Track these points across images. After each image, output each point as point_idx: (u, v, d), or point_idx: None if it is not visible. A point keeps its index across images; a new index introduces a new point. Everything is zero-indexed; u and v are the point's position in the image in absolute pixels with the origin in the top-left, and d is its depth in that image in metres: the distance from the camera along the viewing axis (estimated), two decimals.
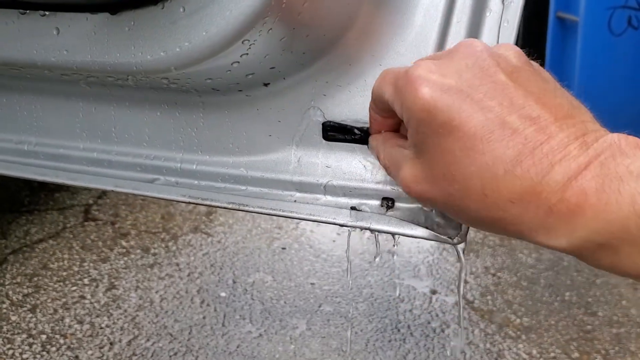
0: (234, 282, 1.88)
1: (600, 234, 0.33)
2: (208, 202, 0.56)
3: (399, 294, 1.85)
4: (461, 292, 0.61)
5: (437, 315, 1.75)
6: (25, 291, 1.81)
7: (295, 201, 0.54)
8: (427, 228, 0.52)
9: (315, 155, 0.55)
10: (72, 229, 2.21)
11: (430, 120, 0.37)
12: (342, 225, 0.53)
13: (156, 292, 1.82)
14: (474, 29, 0.51)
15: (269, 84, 0.53)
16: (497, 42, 0.50)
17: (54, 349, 1.56)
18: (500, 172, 0.34)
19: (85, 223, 2.25)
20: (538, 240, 0.36)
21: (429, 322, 1.72)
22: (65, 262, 1.99)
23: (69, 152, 0.64)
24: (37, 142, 0.67)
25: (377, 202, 0.54)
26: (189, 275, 1.91)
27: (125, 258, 2.01)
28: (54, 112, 0.64)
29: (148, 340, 1.59)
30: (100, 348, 1.56)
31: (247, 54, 0.46)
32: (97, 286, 1.85)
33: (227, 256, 2.02)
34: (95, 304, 1.75)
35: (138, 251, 2.07)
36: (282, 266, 1.98)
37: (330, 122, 0.54)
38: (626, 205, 0.31)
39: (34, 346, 1.57)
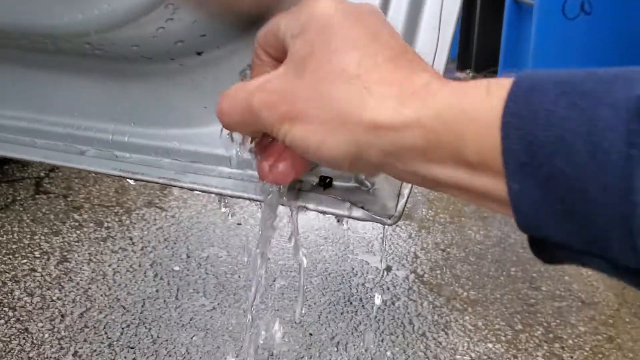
0: (188, 256, 1.89)
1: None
2: (139, 177, 0.56)
3: (353, 269, 1.89)
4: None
5: (388, 289, 1.79)
6: None
7: (229, 177, 0.55)
8: (362, 208, 0.54)
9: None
10: (22, 201, 2.17)
11: (325, 25, 0.36)
12: (272, 204, 0.55)
13: (109, 265, 1.81)
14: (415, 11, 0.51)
15: (202, 52, 0.54)
16: (440, 19, 0.51)
17: (2, 321, 1.54)
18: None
19: (37, 196, 2.22)
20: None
21: (380, 295, 1.76)
22: (15, 235, 1.96)
23: None
24: None
25: (314, 180, 0.55)
26: (142, 249, 1.91)
27: (78, 231, 1.99)
28: None
29: (100, 312, 1.59)
30: (51, 320, 1.55)
31: (172, 19, 0.46)
32: (48, 259, 1.83)
33: (181, 231, 2.03)
34: (47, 277, 1.74)
35: (91, 225, 2.05)
36: (237, 241, 1.99)
37: None
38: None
39: None
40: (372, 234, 2.08)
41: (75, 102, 0.59)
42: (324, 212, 0.55)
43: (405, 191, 0.53)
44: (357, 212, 0.53)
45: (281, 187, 0.51)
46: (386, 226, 0.54)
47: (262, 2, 0.50)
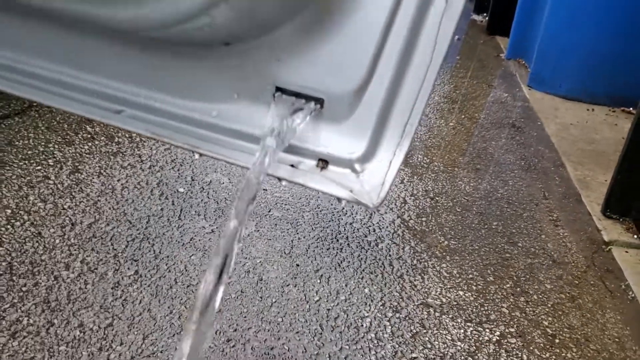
0: (192, 179, 2.00)
1: None
2: (166, 139, 0.66)
3: (343, 208, 2.01)
4: None
5: (374, 230, 1.92)
6: None
7: (242, 151, 0.65)
8: (350, 191, 0.64)
9: (267, 114, 0.65)
10: (37, 108, 2.26)
11: None
12: (280, 179, 0.65)
13: (118, 180, 1.93)
14: (418, 20, 0.59)
15: (229, 44, 0.62)
16: (437, 35, 0.59)
17: (18, 223, 1.67)
18: None
19: None
20: None
21: (365, 236, 1.89)
22: (31, 141, 2.06)
23: (41, 72, 0.72)
24: (14, 58, 0.74)
25: (313, 162, 0.65)
26: (150, 167, 2.02)
27: (90, 144, 2.10)
28: (41, 35, 0.71)
29: (108, 224, 1.72)
30: (62, 227, 1.68)
31: (211, 21, 0.55)
32: (61, 168, 1.94)
33: (188, 154, 2.13)
34: (59, 185, 1.86)
35: (102, 138, 2.15)
36: (238, 170, 2.10)
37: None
38: None
39: None
40: None
41: (117, 67, 0.68)
42: (318, 191, 0.65)
43: (388, 180, 0.64)
44: (346, 195, 0.64)
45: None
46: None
47: (283, 9, 0.58)
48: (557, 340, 1.59)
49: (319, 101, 0.63)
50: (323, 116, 0.64)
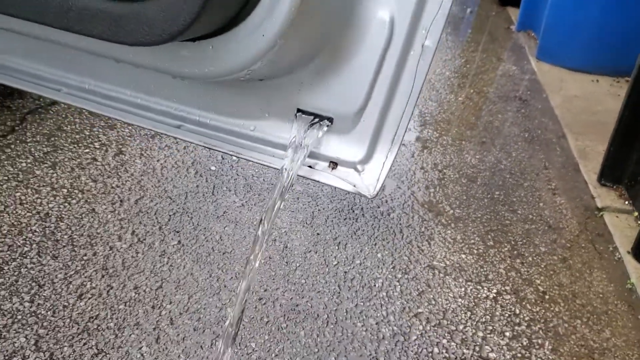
0: (222, 158, 2.23)
1: None
2: (216, 148, 0.88)
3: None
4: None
5: (386, 202, 2.14)
6: (45, 149, 2.14)
7: (273, 156, 0.87)
8: (354, 186, 0.86)
9: (291, 129, 0.86)
10: None
11: None
12: (300, 176, 0.87)
13: (157, 160, 2.16)
14: (401, 62, 0.80)
15: (263, 79, 0.84)
16: (416, 71, 0.80)
17: (74, 201, 1.93)
18: None
19: None
20: None
21: (378, 207, 2.11)
22: (77, 125, 2.30)
23: (120, 96, 0.95)
24: (95, 84, 0.96)
25: (326, 164, 0.87)
26: (184, 148, 2.25)
27: (130, 127, 2.33)
28: (126, 71, 0.93)
29: (152, 201, 1.97)
30: (113, 204, 1.93)
31: (249, 73, 0.77)
32: (106, 150, 2.18)
33: None
34: (106, 166, 2.10)
35: None
36: None
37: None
38: None
39: (58, 197, 1.93)
40: None
41: (179, 93, 0.89)
42: (330, 185, 0.87)
43: (382, 177, 0.86)
44: (350, 188, 0.86)
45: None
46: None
47: (299, 62, 0.79)
48: (547, 297, 1.81)
49: (330, 119, 0.84)
50: (333, 130, 0.85)
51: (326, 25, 0.77)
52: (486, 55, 3.66)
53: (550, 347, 1.63)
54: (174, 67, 0.77)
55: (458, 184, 2.29)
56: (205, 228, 1.88)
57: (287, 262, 1.80)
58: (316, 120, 0.84)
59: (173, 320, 1.55)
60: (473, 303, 1.75)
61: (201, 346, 1.50)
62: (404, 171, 2.31)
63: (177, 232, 1.85)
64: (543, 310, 1.76)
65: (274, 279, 1.73)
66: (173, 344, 1.49)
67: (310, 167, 0.87)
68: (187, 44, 0.74)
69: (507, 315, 1.72)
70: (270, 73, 0.79)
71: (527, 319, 1.72)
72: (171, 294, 1.63)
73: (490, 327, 1.67)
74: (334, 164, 0.87)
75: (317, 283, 1.75)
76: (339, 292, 1.73)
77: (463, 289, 1.80)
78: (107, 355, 1.44)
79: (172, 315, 1.56)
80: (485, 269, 1.88)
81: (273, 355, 1.51)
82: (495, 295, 1.79)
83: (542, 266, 1.94)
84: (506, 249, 1.99)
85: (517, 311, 1.74)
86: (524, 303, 1.77)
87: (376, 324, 1.64)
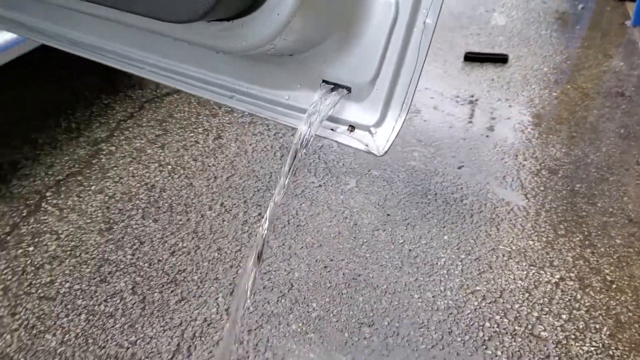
0: (307, 144, 2.43)
1: None
2: (258, 114, 1.06)
3: (436, 169, 2.32)
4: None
5: (460, 189, 2.21)
6: (157, 132, 2.46)
7: (300, 120, 1.03)
8: (366, 145, 1.00)
9: (319, 99, 1.02)
10: None
11: None
12: (322, 137, 1.02)
13: (249, 144, 2.40)
14: (406, 38, 0.93)
15: (292, 54, 1.00)
16: (419, 45, 0.93)
17: (176, 176, 2.21)
18: None
19: None
20: None
21: (452, 193, 2.19)
22: (186, 113, 2.60)
23: (187, 72, 1.16)
24: (169, 63, 1.18)
25: (345, 127, 1.02)
26: (274, 134, 2.47)
27: (230, 116, 2.60)
28: (184, 50, 1.14)
29: (241, 178, 2.20)
30: (207, 179, 2.19)
31: (274, 47, 0.93)
32: (207, 135, 2.46)
33: None
34: (206, 148, 2.37)
35: (240, 111, 2.64)
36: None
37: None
38: None
39: (163, 172, 2.23)
40: (458, 144, 2.47)
41: (229, 68, 1.08)
42: (346, 145, 1.02)
43: (391, 139, 0.99)
44: (363, 147, 1.00)
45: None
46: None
47: (318, 38, 0.95)
48: (614, 286, 1.80)
49: (348, 88, 0.99)
50: (351, 98, 1.00)
51: (337, 7, 0.92)
52: (592, 51, 3.56)
53: (608, 332, 1.64)
54: (217, 43, 0.96)
55: (538, 175, 2.31)
56: (283, 204, 2.08)
57: (354, 238, 1.95)
58: (335, 88, 0.99)
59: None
60: (533, 286, 1.79)
61: (268, 302, 1.69)
62: (483, 161, 2.37)
63: (259, 205, 2.06)
64: (607, 299, 1.76)
65: (340, 251, 1.89)
66: None
67: (332, 130, 1.02)
68: (224, 23, 0.92)
69: (566, 299, 1.75)
70: (293, 48, 0.95)
71: (587, 304, 1.73)
72: (247, 257, 1.84)
73: (547, 309, 1.71)
74: (352, 127, 1.01)
75: (380, 258, 1.88)
76: (401, 267, 1.85)
77: (525, 272, 1.84)
78: (189, 302, 1.68)
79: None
80: (551, 256, 1.91)
81: (331, 315, 1.67)
82: (557, 280, 1.81)
83: (615, 257, 1.92)
84: (578, 238, 1.99)
85: (579, 297, 1.76)
86: (587, 290, 1.78)
87: (432, 297, 1.75)
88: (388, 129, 1.00)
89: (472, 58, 3.25)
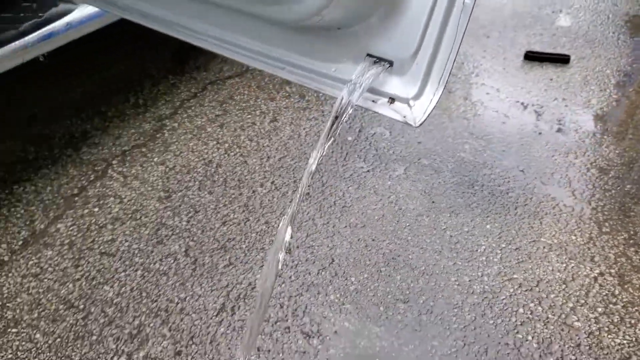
0: (360, 131, 2.50)
1: None
2: (306, 84, 1.15)
3: (485, 162, 2.35)
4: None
5: (508, 182, 2.23)
6: (217, 112, 2.59)
7: (341, 90, 1.11)
8: (404, 117, 1.07)
9: (361, 69, 1.10)
10: (252, 72, 2.93)
11: None
12: (366, 108, 1.10)
13: (303, 128, 2.50)
14: (446, 16, 1.00)
15: (340, 28, 1.08)
16: (458, 23, 0.99)
17: (232, 153, 2.33)
18: None
19: None
20: None
21: (499, 185, 2.22)
22: (245, 96, 2.73)
23: (245, 44, 1.25)
24: (225, 35, 1.28)
25: (386, 99, 1.09)
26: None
27: (287, 100, 2.70)
28: (243, 22, 1.24)
29: (292, 160, 2.30)
30: (261, 159, 2.30)
31: (322, 18, 1.02)
32: (264, 117, 2.57)
33: (360, 110, 2.63)
34: (261, 130, 2.48)
35: (296, 97, 2.74)
36: (399, 126, 2.55)
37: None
38: None
39: (220, 149, 2.35)
40: (511, 140, 2.49)
41: (282, 41, 1.17)
42: (386, 115, 1.09)
43: (427, 112, 1.05)
44: (401, 118, 1.07)
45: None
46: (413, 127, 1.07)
47: (363, 12, 1.03)
48: None
49: (390, 62, 1.06)
50: (392, 71, 1.07)
51: None
52: None
53: None
54: (271, 13, 1.05)
55: (587, 174, 2.30)
56: (331, 185, 2.16)
57: (397, 221, 2.01)
58: (378, 62, 1.07)
59: (291, 250, 1.86)
60: (570, 278, 1.81)
61: (309, 273, 1.78)
62: (533, 157, 2.38)
63: (308, 185, 2.15)
64: None
65: (382, 233, 1.96)
66: (287, 268, 1.79)
67: (373, 101, 1.09)
68: None
69: (604, 293, 1.75)
70: (341, 21, 1.03)
71: (625, 300, 1.73)
72: (293, 231, 1.93)
73: (582, 301, 1.73)
74: (392, 100, 1.08)
75: (421, 241, 1.94)
76: (441, 251, 1.90)
77: (564, 265, 1.86)
78: (236, 267, 1.79)
79: (291, 247, 1.87)
80: (592, 252, 1.91)
81: (368, 290, 1.74)
82: (596, 275, 1.82)
83: None
84: (622, 237, 1.99)
85: (617, 292, 1.76)
86: (626, 287, 1.79)
87: (469, 281, 1.79)
88: (425, 102, 1.07)
89: (532, 57, 3.24)
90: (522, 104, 2.74)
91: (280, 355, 1.54)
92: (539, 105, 2.74)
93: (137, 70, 2.87)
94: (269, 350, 1.55)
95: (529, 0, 4.05)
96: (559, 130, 2.57)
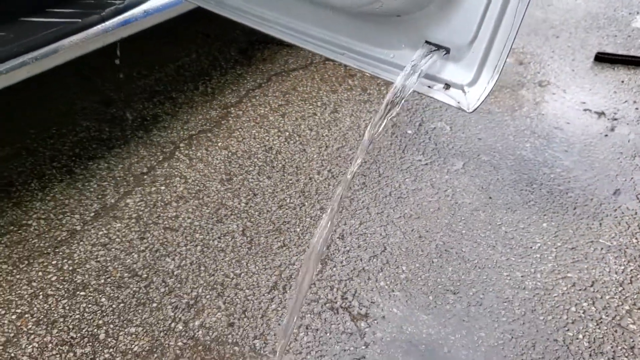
0: (420, 125, 2.51)
1: None
2: (364, 70, 1.19)
3: (545, 160, 2.32)
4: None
5: (568, 182, 2.20)
6: (280, 102, 2.66)
7: (398, 76, 1.14)
8: (458, 102, 1.10)
9: (419, 56, 1.13)
10: (316, 65, 2.99)
11: None
12: (421, 93, 1.13)
13: (363, 120, 2.54)
14: (504, 5, 1.01)
15: (399, 15, 1.12)
16: (515, 12, 1.01)
17: (292, 142, 2.39)
18: None
19: (326, 62, 3.01)
20: None
21: (559, 185, 2.19)
22: (308, 88, 2.79)
23: (307, 30, 1.30)
24: (295, 23, 1.34)
25: (441, 85, 1.12)
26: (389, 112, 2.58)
27: (348, 93, 2.74)
28: (309, 11, 1.29)
29: (350, 149, 2.34)
30: (319, 148, 2.35)
31: (382, 5, 1.05)
32: (325, 109, 2.63)
33: (421, 105, 2.64)
34: (322, 120, 2.54)
35: (358, 89, 2.78)
36: (460, 121, 2.54)
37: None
38: None
39: (280, 137, 2.42)
40: (577, 139, 2.44)
41: (342, 28, 1.22)
42: (441, 101, 1.11)
43: (481, 99, 1.07)
44: (455, 104, 1.09)
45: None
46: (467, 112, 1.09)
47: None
48: None
49: (447, 49, 1.09)
50: (449, 58, 1.09)
51: None
52: None
53: None
54: (336, 1, 1.10)
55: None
56: (388, 176, 2.19)
57: (453, 215, 2.02)
58: (435, 49, 1.09)
59: (344, 236, 1.90)
60: (628, 281, 1.77)
61: (361, 259, 1.82)
62: (597, 158, 2.33)
63: (364, 175, 2.19)
64: None
65: (437, 225, 1.97)
66: (339, 253, 1.84)
67: (429, 87, 1.12)
68: None
69: None
70: (400, 8, 1.07)
71: None
72: (347, 219, 1.98)
73: None
74: (447, 86, 1.11)
75: (476, 236, 1.94)
76: (494, 246, 1.90)
77: (622, 267, 1.82)
78: (290, 248, 1.85)
79: (344, 233, 1.91)
80: None
81: (419, 279, 1.76)
82: None
83: None
84: None
85: None
86: None
87: (521, 276, 1.78)
88: (480, 88, 1.08)
89: (603, 58, 3.15)
90: (589, 105, 2.68)
91: (328, 334, 1.59)
92: (607, 107, 2.67)
93: (208, 61, 2.98)
94: (317, 330, 1.60)
95: (605, 2, 3.93)
96: (627, 133, 2.50)
